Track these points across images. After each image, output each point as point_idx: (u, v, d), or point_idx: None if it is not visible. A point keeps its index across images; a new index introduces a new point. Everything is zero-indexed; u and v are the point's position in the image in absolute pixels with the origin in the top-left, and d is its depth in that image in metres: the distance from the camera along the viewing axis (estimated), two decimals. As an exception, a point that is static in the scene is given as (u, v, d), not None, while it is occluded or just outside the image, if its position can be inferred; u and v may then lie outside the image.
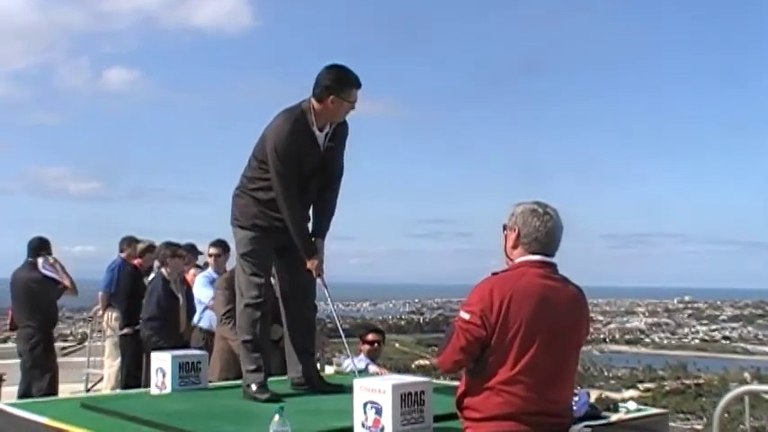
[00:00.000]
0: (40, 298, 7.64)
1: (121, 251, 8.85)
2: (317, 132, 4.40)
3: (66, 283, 7.72)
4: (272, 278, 4.69)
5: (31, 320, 7.60)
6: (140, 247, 8.55)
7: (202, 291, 6.93)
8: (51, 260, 7.71)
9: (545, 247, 3.27)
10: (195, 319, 6.96)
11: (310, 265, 4.47)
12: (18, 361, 7.94)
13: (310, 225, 4.54)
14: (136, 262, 8.48)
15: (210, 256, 7.13)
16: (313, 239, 4.50)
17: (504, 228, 3.37)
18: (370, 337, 6.53)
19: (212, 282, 6.87)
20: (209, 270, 7.10)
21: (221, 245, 7.05)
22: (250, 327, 4.50)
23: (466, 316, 3.13)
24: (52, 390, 7.52)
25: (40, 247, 7.73)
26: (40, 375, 7.56)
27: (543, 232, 3.26)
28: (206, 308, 6.87)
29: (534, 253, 3.26)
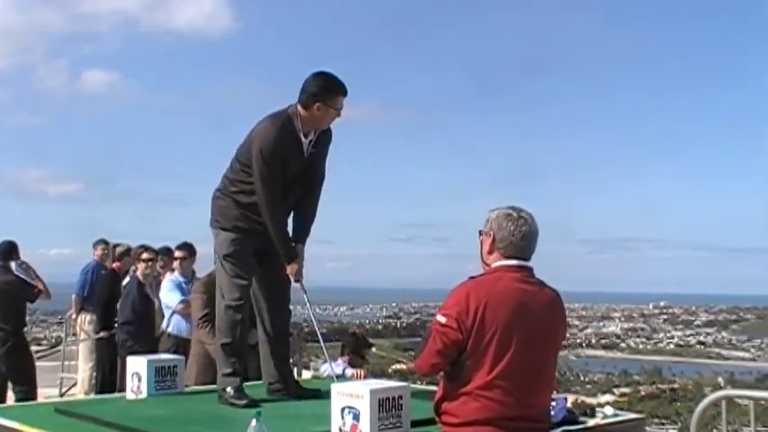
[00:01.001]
0: (14, 301, 7.65)
1: (95, 254, 8.91)
2: (303, 138, 4.40)
3: (40, 286, 7.72)
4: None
5: (6, 324, 7.58)
6: (119, 250, 8.53)
7: (169, 295, 6.78)
8: (24, 264, 7.72)
9: (520, 251, 3.28)
10: (163, 324, 6.80)
11: (290, 269, 4.46)
12: None
13: (290, 230, 4.53)
14: (114, 265, 8.45)
15: (176, 259, 6.97)
16: (293, 244, 4.49)
17: (480, 233, 3.38)
18: (363, 350, 6.49)
19: (179, 285, 6.77)
20: (176, 274, 6.95)
21: (187, 248, 6.96)
22: (230, 330, 4.47)
23: (442, 319, 3.14)
24: (33, 391, 7.56)
25: (9, 250, 7.73)
26: (19, 377, 7.57)
27: (518, 237, 3.27)
28: (173, 313, 6.75)
29: (510, 257, 3.28)
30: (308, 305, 4.63)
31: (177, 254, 6.95)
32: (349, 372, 6.02)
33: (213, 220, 4.59)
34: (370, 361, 6.65)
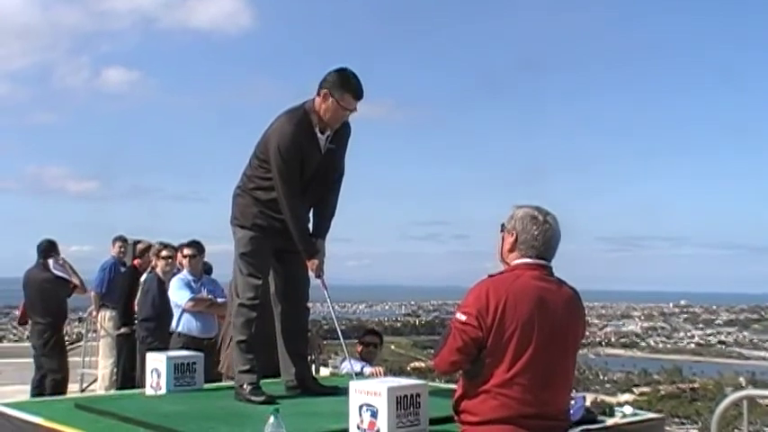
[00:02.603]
0: (52, 297, 8.15)
1: (112, 251, 9.13)
2: (319, 134, 4.39)
3: (76, 282, 8.28)
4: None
5: (44, 318, 8.12)
6: (139, 247, 8.59)
7: (178, 294, 6.70)
8: (61, 261, 8.24)
9: (541, 253, 3.27)
10: (173, 323, 6.74)
11: (311, 265, 4.45)
12: (15, 360, 8.34)
13: (310, 226, 4.53)
14: (135, 262, 8.50)
15: (185, 257, 6.91)
16: (313, 240, 4.48)
17: (502, 228, 3.36)
18: (367, 338, 6.53)
19: (188, 284, 6.73)
20: (184, 272, 6.93)
21: (196, 246, 6.93)
22: (245, 327, 4.48)
23: (462, 317, 3.13)
24: (65, 381, 8.16)
25: (49, 248, 8.23)
26: (53, 368, 8.10)
27: (541, 241, 3.26)
28: (183, 311, 6.73)
29: (530, 257, 3.27)
30: (328, 302, 4.62)
31: (185, 252, 6.92)
32: (368, 370, 6.01)
33: (233, 217, 4.59)
34: (379, 351, 6.63)
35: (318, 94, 4.32)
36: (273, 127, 4.40)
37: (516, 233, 3.28)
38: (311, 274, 4.53)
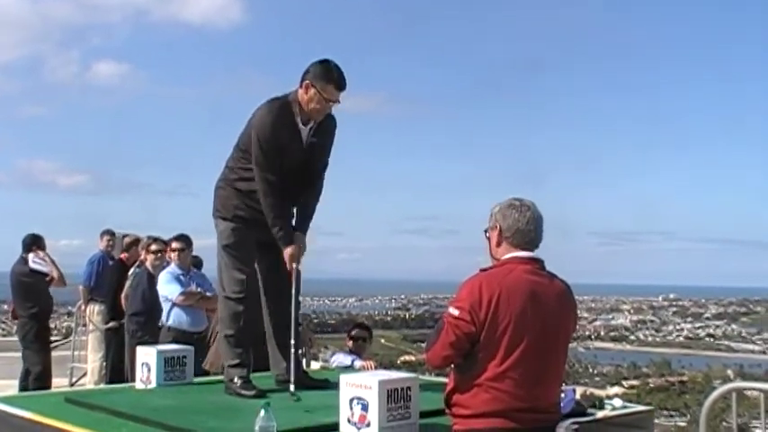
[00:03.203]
0: (30, 290, 8.17)
1: (100, 245, 9.12)
2: (301, 126, 4.35)
3: (55, 275, 8.20)
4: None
5: (25, 311, 8.18)
6: (126, 241, 8.57)
7: (167, 287, 6.67)
8: (41, 254, 8.22)
9: (528, 236, 3.28)
10: (163, 317, 6.71)
11: (285, 254, 4.36)
12: (4, 355, 8.41)
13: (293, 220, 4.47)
14: (122, 256, 8.48)
15: (173, 251, 6.89)
16: (292, 231, 4.39)
17: (486, 232, 3.38)
18: (355, 332, 6.56)
19: (177, 278, 6.72)
20: (173, 266, 6.93)
21: (184, 239, 6.93)
22: (232, 321, 4.45)
23: (455, 312, 3.13)
24: (46, 375, 8.17)
25: (31, 242, 8.26)
26: (33, 361, 8.15)
27: (524, 222, 3.27)
28: (173, 305, 6.72)
29: (519, 246, 3.27)
30: (293, 292, 4.41)
31: (174, 245, 6.89)
32: (358, 363, 6.03)
33: (215, 209, 4.55)
34: (368, 345, 6.65)
35: (301, 86, 4.29)
36: (255, 117, 4.35)
37: (499, 224, 3.31)
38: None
